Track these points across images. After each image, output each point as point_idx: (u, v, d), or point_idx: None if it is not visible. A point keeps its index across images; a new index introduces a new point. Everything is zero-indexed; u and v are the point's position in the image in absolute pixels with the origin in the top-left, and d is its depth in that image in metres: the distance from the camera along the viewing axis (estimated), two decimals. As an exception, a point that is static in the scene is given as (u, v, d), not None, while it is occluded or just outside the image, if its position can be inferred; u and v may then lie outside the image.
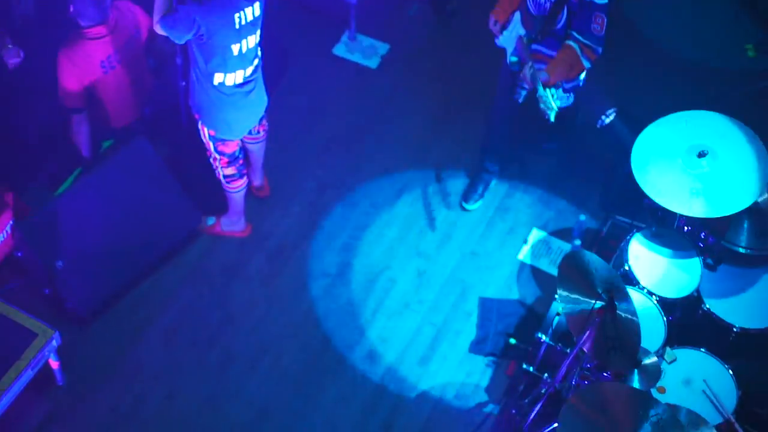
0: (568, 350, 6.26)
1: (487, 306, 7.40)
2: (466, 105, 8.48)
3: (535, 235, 7.77)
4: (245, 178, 7.36)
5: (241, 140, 7.18)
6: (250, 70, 6.73)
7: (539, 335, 6.65)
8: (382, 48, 8.95)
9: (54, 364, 6.71)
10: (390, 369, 7.10)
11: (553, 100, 6.44)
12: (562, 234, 7.74)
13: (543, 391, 6.39)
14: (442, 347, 7.22)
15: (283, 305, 7.37)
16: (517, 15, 6.92)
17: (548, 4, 6.70)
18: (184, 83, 7.21)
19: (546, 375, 6.63)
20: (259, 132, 7.32)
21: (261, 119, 7.21)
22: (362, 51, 8.93)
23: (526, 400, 6.65)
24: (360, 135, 8.33)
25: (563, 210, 7.89)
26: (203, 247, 7.65)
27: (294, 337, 7.22)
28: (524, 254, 7.68)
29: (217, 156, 7.10)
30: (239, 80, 6.69)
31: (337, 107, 8.53)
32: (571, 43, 6.64)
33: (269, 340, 7.20)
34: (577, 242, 7.43)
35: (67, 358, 6.86)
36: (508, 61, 7.08)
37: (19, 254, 7.14)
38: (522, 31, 6.86)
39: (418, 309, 7.38)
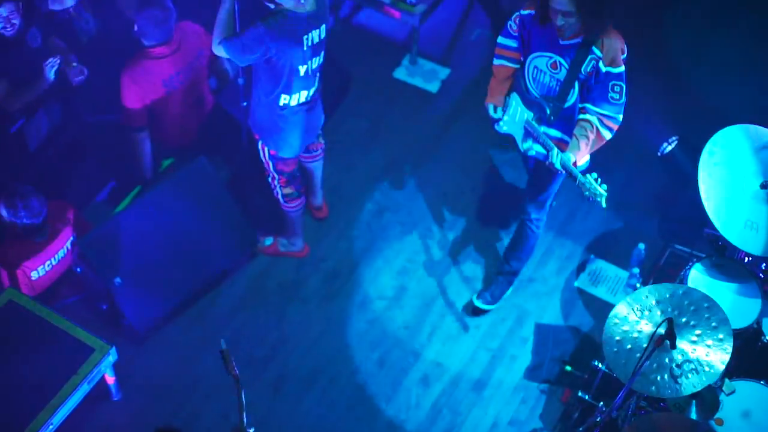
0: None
1: (543, 332, 7.35)
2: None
3: (593, 262, 7.72)
4: (303, 197, 7.38)
5: (299, 159, 7.20)
6: (312, 90, 6.75)
7: (595, 363, 6.59)
8: (443, 72, 8.96)
9: (110, 379, 6.75)
10: (444, 393, 7.06)
11: (598, 185, 6.06)
12: (621, 262, 7.68)
13: (598, 419, 6.33)
14: (497, 373, 7.17)
15: (338, 327, 7.36)
16: (516, 97, 6.59)
17: (555, 83, 6.35)
18: (245, 103, 7.25)
19: (601, 403, 6.57)
20: (316, 150, 7.34)
21: (318, 135, 7.24)
22: (423, 75, 8.94)
23: (581, 429, 6.57)
24: (419, 159, 8.33)
25: (622, 238, 7.83)
26: (260, 266, 7.67)
27: (349, 359, 7.20)
28: (582, 281, 7.63)
29: (276, 175, 7.12)
30: (302, 100, 6.71)
31: (397, 131, 8.54)
32: (588, 116, 6.29)
33: (324, 361, 7.20)
34: (636, 270, 7.37)
35: (123, 373, 6.91)
36: (521, 148, 6.73)
37: (78, 270, 7.19)
38: (528, 114, 6.52)
39: (474, 334, 7.35)
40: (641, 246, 7.37)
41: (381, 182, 8.18)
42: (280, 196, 7.28)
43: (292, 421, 6.92)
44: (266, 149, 6.96)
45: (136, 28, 7.29)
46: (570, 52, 6.18)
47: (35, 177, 7.24)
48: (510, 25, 6.46)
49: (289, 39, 6.36)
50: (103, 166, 8.00)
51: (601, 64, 6.11)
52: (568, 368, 7.05)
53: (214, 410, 6.96)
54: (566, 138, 6.44)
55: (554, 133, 6.49)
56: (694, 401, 5.97)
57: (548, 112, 6.41)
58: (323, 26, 6.52)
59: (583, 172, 6.28)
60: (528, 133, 6.58)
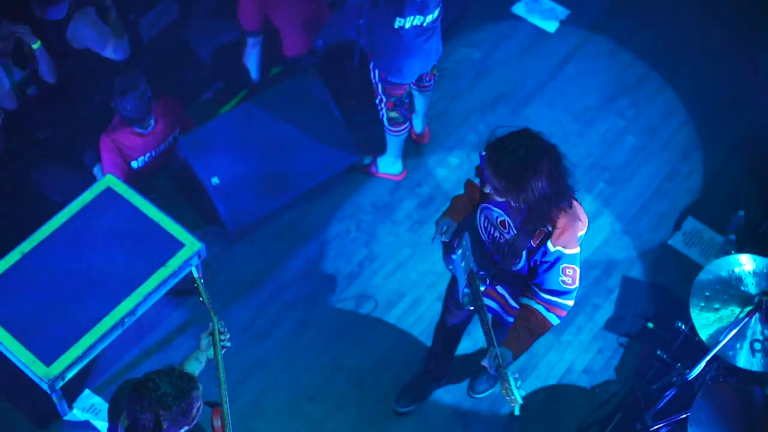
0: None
1: (629, 286, 7.29)
2: (639, 85, 8.36)
3: (690, 223, 7.61)
4: (408, 123, 7.35)
5: (409, 85, 7.16)
6: (430, 17, 6.66)
7: (679, 324, 6.51)
8: (562, 13, 8.82)
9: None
10: (523, 333, 7.04)
11: (518, 392, 5.02)
12: (718, 226, 7.54)
13: (674, 380, 6.29)
14: (578, 319, 7.13)
15: (426, 253, 7.35)
16: (467, 238, 5.39)
17: (504, 243, 5.33)
18: (361, 21, 7.22)
19: (679, 365, 6.50)
20: (428, 80, 7.30)
21: (432, 67, 7.18)
22: (541, 13, 8.81)
23: (655, 386, 6.55)
24: (527, 97, 8.25)
25: (723, 202, 7.68)
26: (356, 184, 7.69)
27: (433, 286, 7.21)
28: (675, 240, 7.53)
29: (384, 98, 7.10)
30: (416, 23, 6.64)
31: (509, 66, 8.46)
32: (532, 304, 5.27)
33: (408, 285, 7.22)
34: (732, 237, 7.24)
35: (209, 270, 7.01)
36: (460, 293, 5.51)
37: (178, 165, 7.27)
38: (473, 265, 5.46)
39: (560, 278, 7.30)
40: (741, 213, 7.23)
41: (486, 115, 8.11)
42: (385, 119, 7.27)
43: (363, 344, 6.99)
44: (377, 71, 6.93)
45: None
46: (518, 216, 5.20)
47: (146, 69, 7.30)
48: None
49: None
50: (213, 65, 8.04)
51: (549, 242, 5.11)
52: (650, 325, 6.97)
53: (294, 318, 7.03)
54: (509, 299, 5.62)
55: (502, 293, 5.64)
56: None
57: (492, 273, 5.52)
58: None
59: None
60: (467, 283, 5.50)
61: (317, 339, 6.97)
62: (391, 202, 7.62)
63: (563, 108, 8.21)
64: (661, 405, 6.06)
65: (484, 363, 5.20)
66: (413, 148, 7.83)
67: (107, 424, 4.94)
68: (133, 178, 7.08)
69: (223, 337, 5.09)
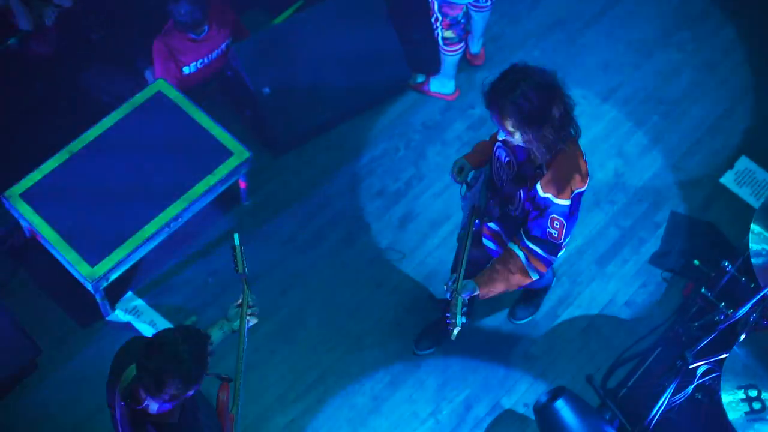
0: (753, 286, 6.09)
1: (677, 221, 7.22)
2: (701, 19, 8.25)
3: (743, 162, 7.51)
4: (463, 43, 7.27)
5: (467, 6, 7.07)
6: (490, -65, 6.59)
7: (725, 263, 6.45)
8: (627, -61, 8.67)
9: (242, 184, 6.85)
10: (567, 261, 7.01)
11: (460, 317, 5.13)
12: (773, 167, 7.47)
13: (716, 319, 6.24)
14: (624, 252, 7.09)
15: (474, 176, 7.32)
16: (481, 180, 5.58)
17: (505, 178, 5.30)
18: (422, -64, 7.14)
19: (723, 304, 6.44)
20: (486, 1, 7.20)
21: (491, -14, 7.09)
22: (606, -62, 8.65)
23: (697, 324, 6.50)
24: (585, 24, 8.13)
25: (779, 143, 7.61)
26: (408, 102, 7.64)
27: (478, 209, 7.18)
28: (727, 179, 7.43)
29: (440, 17, 7.01)
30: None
31: (570, -9, 8.35)
32: (515, 249, 5.24)
33: (454, 207, 7.17)
34: (785, 179, 7.18)
35: (255, 180, 7.00)
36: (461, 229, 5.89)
37: (229, 73, 7.24)
38: (476, 202, 5.56)
39: (608, 209, 7.24)
40: (796, 155, 7.16)
41: (543, 40, 8.01)
42: (440, 38, 7.19)
43: (409, 263, 6.99)
44: (434, -12, 6.87)
45: None
46: (521, 154, 5.16)
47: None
48: None
49: None
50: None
51: (539, 186, 5.04)
52: (696, 262, 6.91)
53: (338, 234, 7.03)
54: (503, 236, 5.54)
55: (502, 233, 5.55)
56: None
57: (491, 213, 5.48)
58: None
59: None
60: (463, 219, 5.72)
61: (360, 255, 6.97)
62: (441, 122, 7.56)
63: (621, 38, 8.08)
64: (703, 344, 6.01)
65: (445, 285, 5.32)
66: (467, 69, 7.75)
67: (149, 329, 4.84)
68: (184, 84, 7.05)
69: (250, 311, 5.02)
